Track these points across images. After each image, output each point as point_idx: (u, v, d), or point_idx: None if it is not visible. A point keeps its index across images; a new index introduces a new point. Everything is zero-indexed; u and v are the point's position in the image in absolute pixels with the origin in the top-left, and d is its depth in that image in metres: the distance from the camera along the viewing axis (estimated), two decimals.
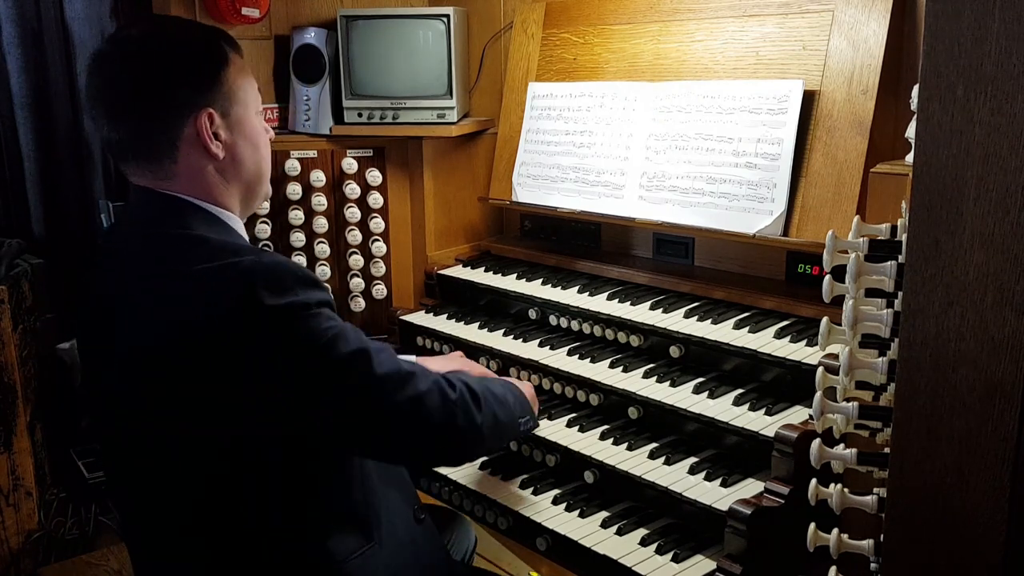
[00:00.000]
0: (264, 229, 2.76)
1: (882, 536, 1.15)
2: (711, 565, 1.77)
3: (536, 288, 2.54)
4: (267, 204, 2.76)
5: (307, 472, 1.55)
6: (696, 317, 2.21)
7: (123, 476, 1.65)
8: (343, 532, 1.61)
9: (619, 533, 1.89)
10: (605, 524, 1.93)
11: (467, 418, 1.62)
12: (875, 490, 1.33)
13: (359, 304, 2.86)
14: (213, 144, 1.57)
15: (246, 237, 1.66)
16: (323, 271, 2.83)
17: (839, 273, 1.34)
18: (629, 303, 2.34)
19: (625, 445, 2.04)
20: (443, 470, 2.23)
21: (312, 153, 2.80)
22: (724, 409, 1.96)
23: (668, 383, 2.09)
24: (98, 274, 1.62)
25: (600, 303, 2.37)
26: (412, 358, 2.19)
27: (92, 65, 1.57)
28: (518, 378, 2.35)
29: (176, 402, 1.46)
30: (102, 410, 1.62)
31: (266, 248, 2.66)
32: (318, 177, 2.77)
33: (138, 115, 1.55)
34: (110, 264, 1.61)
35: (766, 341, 2.04)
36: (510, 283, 2.61)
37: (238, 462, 1.50)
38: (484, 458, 2.25)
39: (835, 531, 1.33)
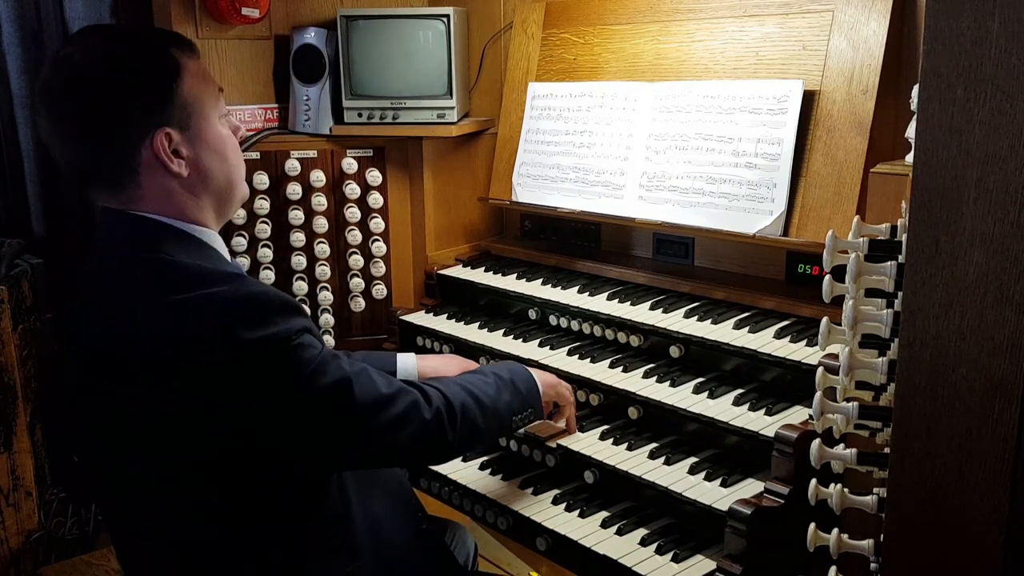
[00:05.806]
0: (264, 229, 2.76)
1: (882, 536, 1.15)
2: (711, 565, 1.77)
3: (536, 288, 2.54)
4: (267, 204, 2.76)
5: (273, 495, 1.54)
6: (696, 317, 2.21)
7: (103, 492, 1.65)
8: (323, 555, 1.61)
9: (619, 533, 1.89)
10: (605, 524, 1.93)
11: (439, 437, 1.66)
12: (875, 490, 1.33)
13: (359, 304, 2.86)
14: (174, 164, 1.51)
15: (225, 251, 1.62)
16: (323, 271, 2.83)
17: (839, 273, 1.34)
18: (629, 303, 2.34)
19: (625, 445, 2.04)
20: (442, 470, 2.22)
21: (312, 153, 2.80)
22: (724, 409, 1.96)
23: (668, 383, 2.09)
24: (76, 299, 1.57)
25: (600, 303, 2.37)
26: (411, 356, 2.19)
27: (40, 95, 1.48)
28: None
29: (149, 428, 1.45)
30: (77, 425, 1.61)
31: (244, 268, 2.62)
32: (318, 177, 2.77)
33: (92, 146, 1.48)
34: (86, 291, 1.56)
35: (766, 341, 2.04)
36: (510, 283, 2.61)
37: (196, 483, 1.48)
38: (484, 458, 2.25)
39: (835, 531, 1.33)
